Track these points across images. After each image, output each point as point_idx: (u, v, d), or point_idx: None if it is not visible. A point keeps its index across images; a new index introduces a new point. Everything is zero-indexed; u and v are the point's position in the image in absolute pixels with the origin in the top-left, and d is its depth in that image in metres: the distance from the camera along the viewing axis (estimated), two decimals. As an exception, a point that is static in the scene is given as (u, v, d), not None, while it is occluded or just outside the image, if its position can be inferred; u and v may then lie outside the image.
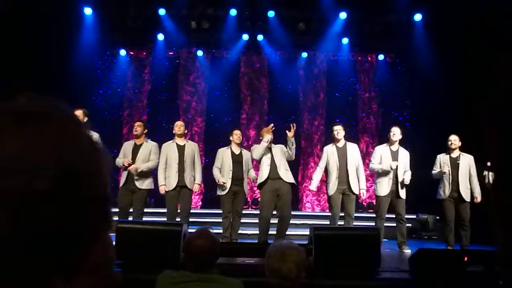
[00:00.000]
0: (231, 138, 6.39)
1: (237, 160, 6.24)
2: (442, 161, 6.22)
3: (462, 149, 6.22)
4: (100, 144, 0.53)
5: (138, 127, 6.22)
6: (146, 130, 6.34)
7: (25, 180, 0.43)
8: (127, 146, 6.26)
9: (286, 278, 1.97)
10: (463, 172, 6.10)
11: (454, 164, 6.16)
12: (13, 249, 0.43)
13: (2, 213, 0.42)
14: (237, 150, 6.35)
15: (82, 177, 0.47)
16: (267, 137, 5.92)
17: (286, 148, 6.00)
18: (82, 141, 0.49)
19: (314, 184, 6.40)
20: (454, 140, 6.18)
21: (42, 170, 0.44)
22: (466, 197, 6.06)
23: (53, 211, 0.44)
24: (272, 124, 6.13)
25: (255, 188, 9.04)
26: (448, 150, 6.24)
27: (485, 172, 5.99)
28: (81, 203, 0.47)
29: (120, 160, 6.12)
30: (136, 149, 6.17)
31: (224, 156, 6.30)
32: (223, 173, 6.22)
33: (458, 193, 6.09)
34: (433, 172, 6.31)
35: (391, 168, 6.12)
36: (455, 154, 6.20)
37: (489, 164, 5.20)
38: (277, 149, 6.02)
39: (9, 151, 0.44)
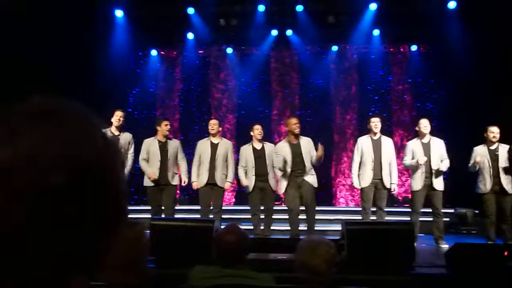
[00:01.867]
0: (251, 134, 6.40)
1: (258, 156, 6.24)
2: (480, 154, 6.01)
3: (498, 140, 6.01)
4: (115, 141, 0.55)
5: (166, 127, 6.27)
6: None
7: (40, 176, 0.45)
8: (151, 145, 6.24)
9: (315, 273, 1.98)
10: (503, 164, 5.89)
11: (493, 156, 5.95)
12: (30, 245, 0.45)
13: (18, 209, 0.44)
14: (258, 145, 6.34)
15: (96, 173, 0.49)
16: (279, 173, 5.99)
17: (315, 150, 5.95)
18: (96, 139, 0.51)
19: (356, 181, 6.25)
20: (496, 132, 5.94)
21: (57, 166, 0.46)
22: (510, 189, 5.85)
23: (69, 207, 0.46)
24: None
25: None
26: (486, 142, 6.03)
27: None
28: (96, 198, 0.48)
29: (148, 170, 6.11)
30: (162, 146, 6.22)
31: (246, 153, 6.33)
32: (247, 171, 6.25)
33: (500, 185, 5.89)
34: (470, 165, 6.12)
35: (419, 164, 5.96)
36: (493, 145, 5.98)
37: None
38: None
39: (24, 149, 0.46)
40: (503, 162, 5.90)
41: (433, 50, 9.41)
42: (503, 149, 5.93)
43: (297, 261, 2.05)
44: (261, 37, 9.39)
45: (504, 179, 5.89)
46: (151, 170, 6.08)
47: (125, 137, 6.16)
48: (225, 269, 2.21)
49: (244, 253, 2.29)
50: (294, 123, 6.05)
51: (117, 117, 6.07)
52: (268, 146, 6.39)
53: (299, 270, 2.04)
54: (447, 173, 6.20)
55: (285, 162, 5.92)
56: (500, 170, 5.90)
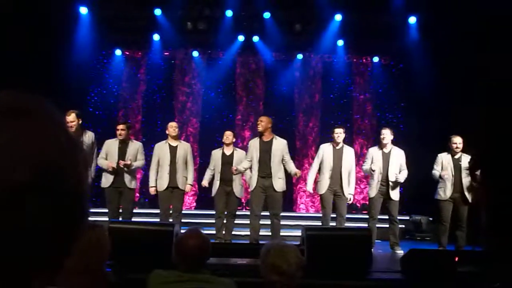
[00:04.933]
0: (222, 140, 6.43)
1: (226, 161, 6.25)
2: (445, 162, 6.14)
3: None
4: (78, 141, 0.54)
5: (122, 131, 6.08)
6: (130, 131, 6.31)
7: (3, 174, 0.44)
8: (111, 146, 6.12)
9: (285, 275, 1.99)
10: (466, 173, 5.99)
11: (456, 165, 6.10)
12: None
13: None
14: (228, 151, 6.37)
15: (59, 172, 0.48)
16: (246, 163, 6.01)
17: (286, 156, 6.00)
18: (60, 138, 0.50)
19: (310, 185, 6.38)
20: (460, 143, 6.07)
21: (20, 165, 0.45)
22: (470, 198, 5.99)
23: (30, 206, 0.45)
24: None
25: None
26: (449, 151, 6.17)
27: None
28: (58, 198, 0.47)
29: (104, 162, 6.02)
30: (122, 148, 6.10)
31: (215, 157, 6.36)
32: (215, 174, 6.27)
33: (461, 194, 6.03)
34: (435, 172, 6.22)
35: (372, 170, 6.13)
36: (457, 154, 6.13)
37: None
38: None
39: None
40: (465, 171, 6.00)
41: (394, 62, 9.71)
42: (465, 159, 6.03)
43: (265, 265, 2.05)
44: (228, 42, 9.40)
45: (466, 188, 6.01)
46: (107, 161, 5.97)
47: (89, 137, 5.97)
48: (185, 274, 2.18)
49: (205, 257, 2.27)
50: (258, 120, 6.09)
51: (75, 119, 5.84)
52: (238, 152, 6.41)
53: (267, 273, 2.04)
54: (403, 183, 6.35)
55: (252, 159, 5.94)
56: (463, 180, 6.01)
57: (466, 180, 6.00)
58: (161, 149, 6.23)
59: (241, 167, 5.98)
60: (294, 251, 2.05)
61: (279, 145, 5.93)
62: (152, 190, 6.18)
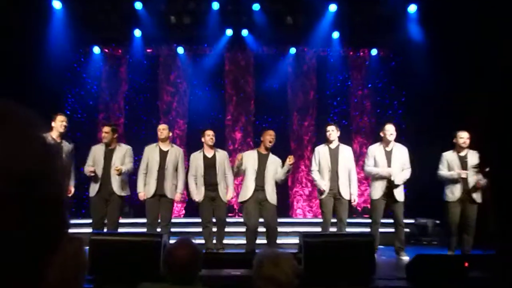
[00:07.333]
0: (203, 140, 6.36)
1: (209, 164, 6.22)
2: (450, 161, 6.15)
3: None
4: (57, 148, 0.54)
5: (106, 134, 6.08)
6: (116, 135, 6.27)
7: None
8: (97, 151, 6.12)
9: (281, 285, 1.99)
10: (472, 172, 5.95)
11: (463, 163, 6.09)
12: None
13: None
14: (210, 153, 6.32)
15: (37, 180, 0.47)
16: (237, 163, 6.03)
17: (280, 167, 6.07)
18: (36, 143, 0.50)
19: (323, 184, 6.24)
20: (467, 138, 6.02)
21: None
22: (477, 198, 5.98)
23: (5, 217, 0.45)
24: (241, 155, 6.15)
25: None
26: (455, 147, 6.16)
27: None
28: (34, 206, 0.47)
29: (86, 168, 6.02)
30: (108, 153, 6.08)
31: (196, 161, 6.29)
32: (197, 180, 6.22)
33: (468, 194, 6.02)
34: (441, 173, 6.20)
35: (375, 175, 6.17)
36: (463, 152, 6.11)
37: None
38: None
39: None
40: (471, 169, 5.97)
41: (393, 54, 9.76)
42: (472, 156, 6.03)
43: (259, 275, 2.05)
44: (215, 37, 9.40)
45: (473, 187, 5.97)
46: (88, 167, 5.97)
47: (67, 147, 5.93)
48: (175, 287, 2.18)
49: (196, 269, 2.27)
50: (269, 135, 6.16)
51: (61, 122, 5.83)
52: (220, 153, 6.37)
53: (262, 284, 2.04)
54: (407, 183, 6.37)
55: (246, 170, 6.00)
56: (469, 178, 5.98)
57: (472, 179, 5.99)
58: (151, 153, 6.20)
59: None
60: (289, 259, 2.06)
61: (275, 160, 6.14)
62: (141, 195, 6.14)
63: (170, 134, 6.46)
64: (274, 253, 2.11)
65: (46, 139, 0.52)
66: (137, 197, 6.30)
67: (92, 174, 5.93)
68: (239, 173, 6.18)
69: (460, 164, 6.11)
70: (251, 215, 5.89)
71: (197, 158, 6.31)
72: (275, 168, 6.06)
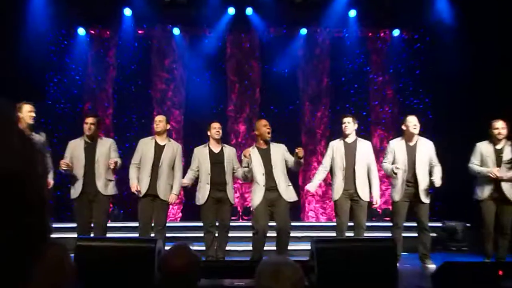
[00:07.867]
0: (208, 133, 6.36)
1: (216, 161, 6.22)
2: (484, 153, 6.11)
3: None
4: (35, 142, 0.54)
5: (92, 125, 6.08)
6: (100, 127, 6.31)
7: None
8: (76, 147, 6.11)
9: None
10: (506, 167, 5.94)
11: (498, 156, 6.06)
12: None
13: None
14: (216, 148, 6.32)
15: (13, 179, 0.48)
16: (246, 160, 5.97)
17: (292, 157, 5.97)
18: (12, 139, 0.50)
19: (313, 184, 6.37)
20: (502, 128, 5.99)
21: None
22: (511, 196, 5.95)
23: None
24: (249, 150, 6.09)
25: (246, 195, 9.09)
26: (491, 139, 6.11)
27: None
28: (13, 208, 0.48)
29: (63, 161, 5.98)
30: (89, 148, 6.09)
31: (201, 156, 6.28)
32: (200, 177, 6.22)
33: (501, 192, 5.99)
34: (473, 166, 6.17)
35: (394, 173, 6.12)
36: (499, 144, 6.08)
37: None
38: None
39: None
40: (505, 165, 5.96)
41: (419, 35, 9.71)
42: (509, 149, 6.01)
43: (257, 286, 2.07)
44: (215, 16, 9.40)
45: (505, 184, 5.97)
46: (63, 160, 5.95)
47: (39, 139, 5.89)
48: (171, 298, 2.20)
49: (194, 279, 2.28)
50: (263, 125, 6.06)
51: (29, 113, 5.77)
52: (228, 149, 6.38)
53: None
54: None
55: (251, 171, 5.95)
56: (499, 174, 5.93)
57: (505, 175, 5.95)
58: (146, 146, 6.21)
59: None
60: (291, 270, 2.05)
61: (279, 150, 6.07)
62: (133, 186, 6.08)
63: (168, 126, 6.42)
64: (275, 263, 2.10)
65: (24, 134, 0.52)
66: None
67: (65, 168, 5.88)
68: (249, 175, 6.05)
69: (495, 159, 6.07)
70: (260, 216, 5.86)
71: (201, 154, 6.29)
72: (282, 156, 5.97)
